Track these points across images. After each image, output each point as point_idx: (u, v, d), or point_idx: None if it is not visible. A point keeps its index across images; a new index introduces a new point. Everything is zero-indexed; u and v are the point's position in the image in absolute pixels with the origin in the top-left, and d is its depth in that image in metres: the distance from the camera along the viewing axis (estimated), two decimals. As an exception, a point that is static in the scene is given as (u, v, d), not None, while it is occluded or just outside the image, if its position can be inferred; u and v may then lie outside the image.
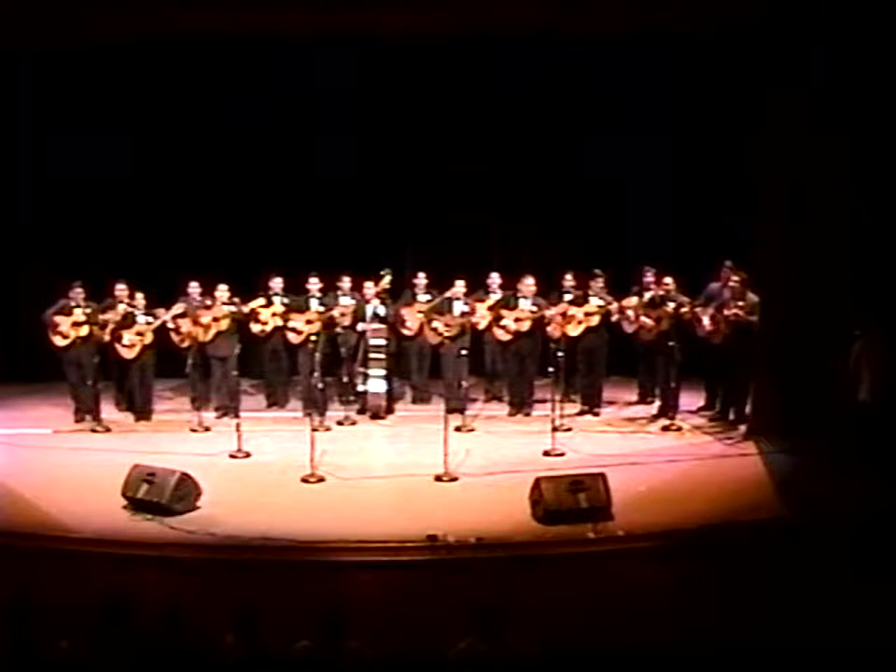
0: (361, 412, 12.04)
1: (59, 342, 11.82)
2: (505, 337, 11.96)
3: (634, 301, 11.76)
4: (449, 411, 10.76)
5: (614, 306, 11.74)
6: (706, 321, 11.30)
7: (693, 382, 11.88)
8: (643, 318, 11.66)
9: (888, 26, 9.54)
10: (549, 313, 11.78)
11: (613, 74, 12.63)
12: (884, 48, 9.60)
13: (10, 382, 13.05)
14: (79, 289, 11.81)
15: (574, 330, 11.80)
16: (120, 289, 11.86)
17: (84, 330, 11.75)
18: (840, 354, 10.23)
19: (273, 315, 12.07)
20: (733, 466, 10.15)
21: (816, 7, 9.93)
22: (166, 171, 13.12)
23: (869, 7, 9.64)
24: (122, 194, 13.13)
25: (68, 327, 11.75)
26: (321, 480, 9.73)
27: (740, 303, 11.09)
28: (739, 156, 11.47)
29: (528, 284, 11.88)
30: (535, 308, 11.82)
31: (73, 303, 11.79)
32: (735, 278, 11.19)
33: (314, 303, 12.06)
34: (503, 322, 11.91)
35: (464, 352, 11.89)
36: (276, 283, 12.14)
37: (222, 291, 11.89)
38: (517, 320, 11.84)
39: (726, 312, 11.15)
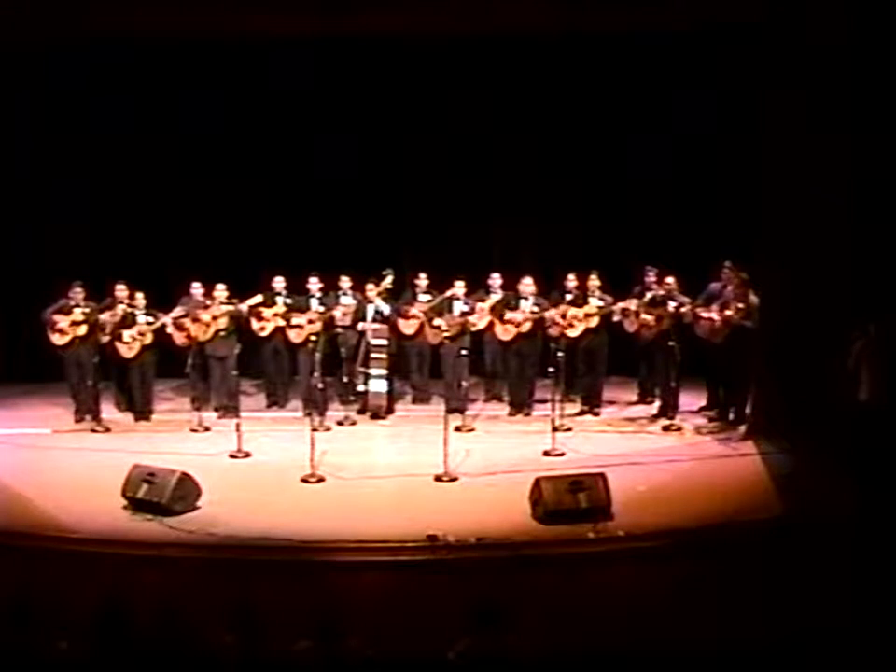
0: (361, 412, 12.04)
1: (57, 340, 11.83)
2: (507, 336, 11.94)
3: (634, 303, 11.76)
4: (449, 411, 10.75)
5: (618, 307, 11.72)
6: (715, 316, 11.27)
7: (693, 382, 11.88)
8: (644, 315, 11.67)
9: (887, 25, 9.54)
10: (549, 314, 11.78)
11: (613, 73, 12.63)
12: (883, 47, 9.60)
13: (10, 382, 13.06)
14: (79, 289, 11.82)
15: (573, 332, 11.80)
16: (120, 289, 11.86)
17: (82, 330, 11.76)
18: (840, 354, 10.22)
19: (275, 315, 12.08)
20: (733, 466, 10.15)
21: (816, 6, 9.93)
22: (166, 171, 13.11)
23: (869, 7, 9.64)
24: (122, 194, 13.14)
25: (67, 325, 11.77)
26: (321, 480, 9.73)
27: (740, 305, 11.10)
28: (740, 155, 11.46)
29: (527, 283, 11.88)
30: (536, 308, 11.83)
31: (72, 303, 11.80)
32: (738, 277, 11.20)
33: (314, 303, 12.07)
34: (507, 316, 11.88)
35: (464, 352, 11.89)
36: (278, 282, 12.16)
37: (220, 291, 11.90)
38: (520, 321, 11.83)
39: (726, 312, 11.15)
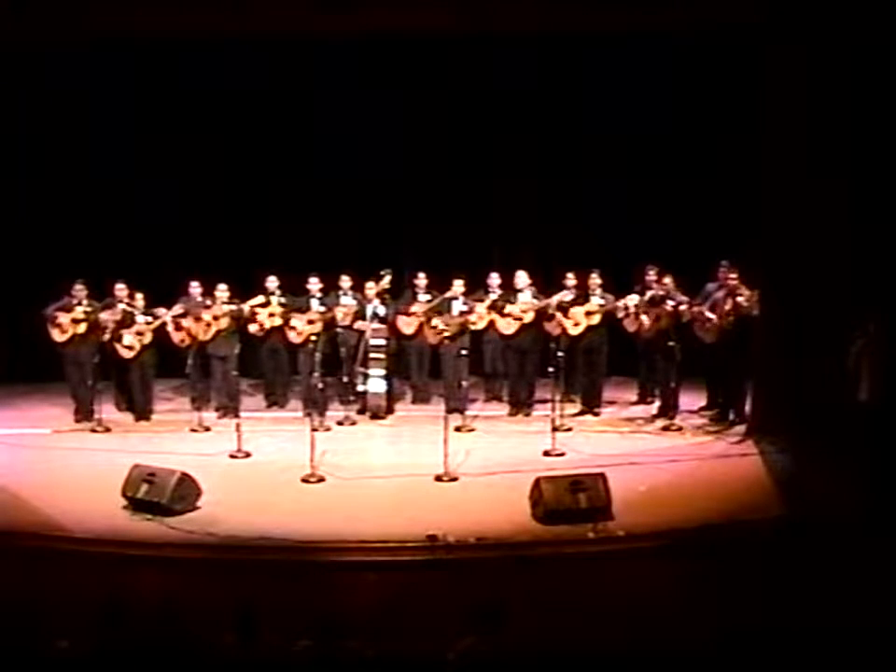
0: (361, 412, 12.04)
1: (57, 336, 11.85)
2: (509, 329, 11.93)
3: (635, 299, 11.75)
4: (449, 411, 10.77)
5: (621, 303, 11.72)
6: (710, 315, 11.27)
7: (693, 382, 11.88)
8: (643, 315, 11.67)
9: (887, 24, 9.54)
10: (553, 300, 11.76)
11: (613, 74, 12.63)
12: (883, 47, 9.60)
13: (10, 382, 13.06)
14: (81, 287, 11.83)
15: (574, 330, 11.81)
16: (120, 289, 11.88)
17: (82, 328, 11.77)
18: (840, 353, 10.23)
19: (271, 315, 12.08)
20: (733, 466, 10.15)
21: (816, 6, 9.93)
22: (166, 171, 13.11)
23: (869, 8, 9.64)
24: (122, 194, 13.14)
25: (67, 322, 11.77)
26: (321, 480, 9.73)
27: (739, 299, 11.10)
28: (739, 156, 11.45)
29: (521, 276, 11.91)
30: (535, 301, 11.84)
31: (74, 301, 11.82)
32: (733, 276, 11.21)
33: (314, 303, 12.07)
34: (507, 309, 11.87)
35: (464, 352, 11.90)
36: (272, 282, 12.14)
37: (222, 291, 11.91)
38: (522, 311, 11.83)
39: (726, 307, 11.15)
